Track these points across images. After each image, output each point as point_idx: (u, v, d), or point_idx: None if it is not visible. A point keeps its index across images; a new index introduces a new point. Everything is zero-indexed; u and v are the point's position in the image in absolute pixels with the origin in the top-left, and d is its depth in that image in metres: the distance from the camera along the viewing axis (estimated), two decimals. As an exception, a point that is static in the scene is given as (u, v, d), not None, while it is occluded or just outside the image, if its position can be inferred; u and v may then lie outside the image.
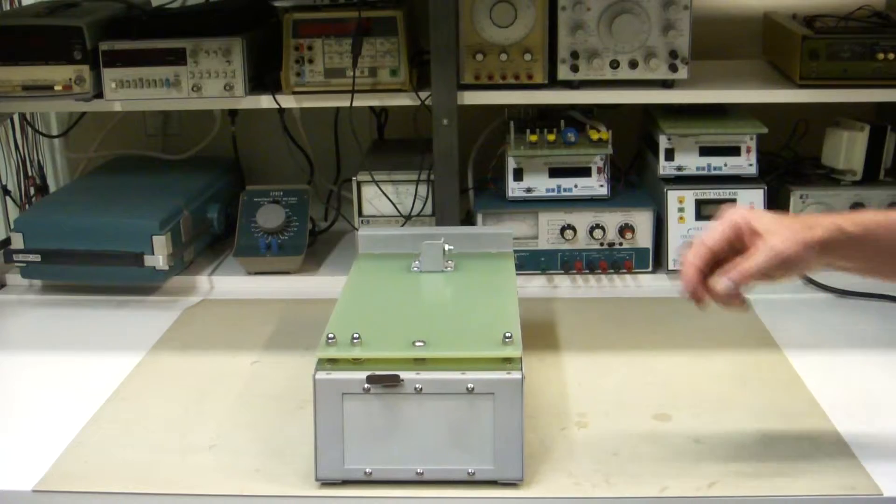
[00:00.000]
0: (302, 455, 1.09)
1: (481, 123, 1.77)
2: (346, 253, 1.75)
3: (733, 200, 1.61)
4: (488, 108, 1.68)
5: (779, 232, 0.98)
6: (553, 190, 1.64)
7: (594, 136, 1.63)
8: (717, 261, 1.01)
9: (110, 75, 1.59)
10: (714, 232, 1.01)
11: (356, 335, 1.05)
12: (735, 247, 1.01)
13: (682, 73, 1.58)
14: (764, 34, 1.86)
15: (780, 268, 0.98)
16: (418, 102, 1.61)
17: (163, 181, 1.79)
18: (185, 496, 1.07)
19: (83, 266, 1.59)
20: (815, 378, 1.29)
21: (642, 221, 1.63)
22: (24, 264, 1.61)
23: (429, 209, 1.69)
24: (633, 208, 1.63)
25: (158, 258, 1.58)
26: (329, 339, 1.06)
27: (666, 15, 1.57)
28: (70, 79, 1.58)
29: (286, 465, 1.10)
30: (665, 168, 1.64)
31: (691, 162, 1.63)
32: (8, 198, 1.97)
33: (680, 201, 1.62)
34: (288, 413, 1.22)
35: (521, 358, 1.04)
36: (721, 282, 0.99)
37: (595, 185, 1.64)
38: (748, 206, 0.97)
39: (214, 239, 1.80)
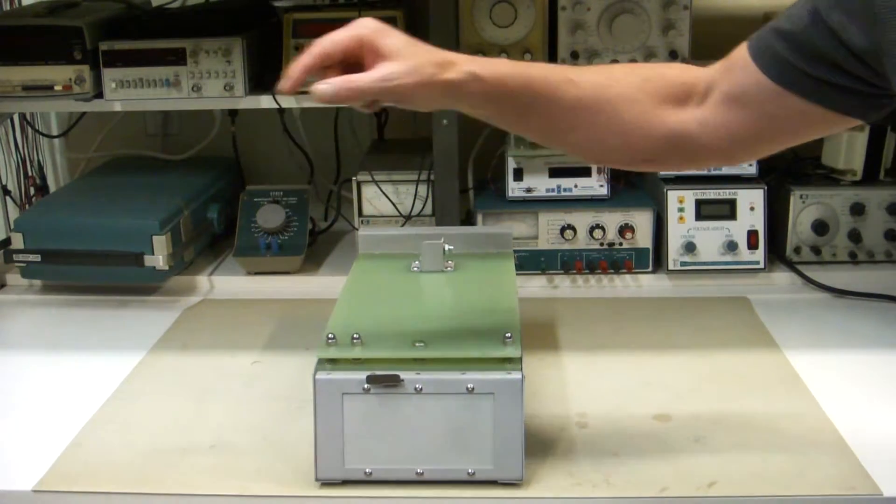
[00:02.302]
0: (302, 455, 1.09)
1: (481, 123, 1.76)
2: (346, 253, 1.75)
3: (733, 200, 1.61)
4: (488, 108, 1.68)
5: (403, 59, 0.92)
6: (553, 190, 1.64)
7: (594, 136, 1.63)
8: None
9: (110, 75, 1.59)
10: (335, 36, 0.93)
11: (356, 335, 1.05)
12: (351, 61, 0.94)
13: (682, 73, 1.58)
14: (764, 34, 1.86)
15: (391, 96, 0.92)
16: (418, 102, 1.60)
17: (163, 181, 1.79)
18: (185, 496, 1.07)
19: (83, 266, 1.59)
20: (815, 378, 1.29)
21: (642, 221, 1.63)
22: (24, 264, 1.61)
23: (429, 209, 1.69)
24: (633, 208, 1.63)
25: (158, 258, 1.58)
26: (329, 339, 1.06)
27: (666, 15, 1.57)
28: (70, 79, 1.58)
29: (286, 465, 1.10)
30: (665, 168, 1.64)
31: (691, 162, 1.63)
32: (8, 198, 1.97)
33: (680, 201, 1.62)
34: (288, 413, 1.22)
35: (521, 358, 1.04)
36: (321, 85, 0.91)
37: (595, 185, 1.64)
38: (380, 23, 0.92)
39: (214, 239, 1.80)
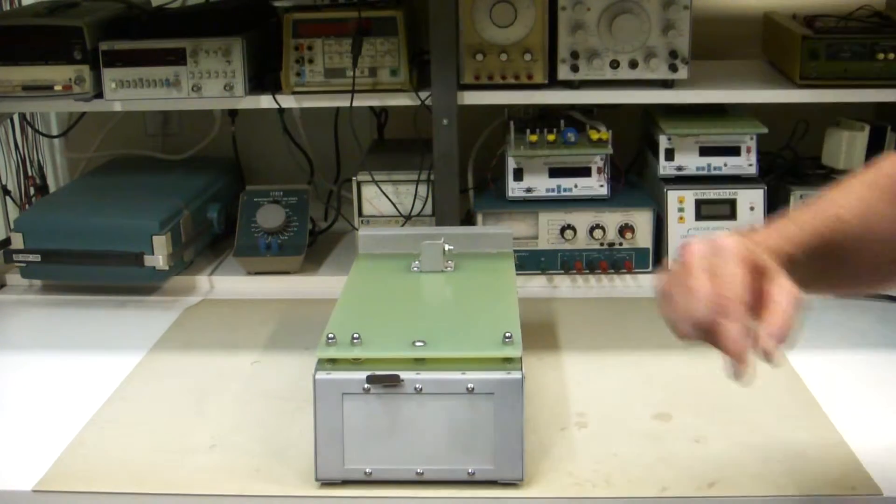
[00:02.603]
0: (302, 455, 1.09)
1: (481, 123, 1.77)
2: (346, 253, 1.75)
3: (733, 200, 1.61)
4: (488, 108, 1.68)
5: (779, 269, 0.89)
6: (553, 190, 1.64)
7: (594, 136, 1.63)
8: None
9: (110, 75, 1.59)
10: (738, 279, 0.87)
11: (356, 335, 1.05)
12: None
13: (682, 73, 1.58)
14: (764, 34, 1.86)
15: None
16: (418, 102, 1.61)
17: (163, 181, 1.79)
18: (185, 496, 1.07)
19: (83, 266, 1.59)
20: (815, 378, 1.29)
21: (642, 221, 1.63)
22: (24, 264, 1.61)
23: (429, 209, 1.69)
24: (633, 208, 1.63)
25: (158, 258, 1.58)
26: (329, 339, 1.06)
27: (666, 15, 1.57)
28: (70, 79, 1.58)
29: (286, 465, 1.10)
30: (665, 168, 1.64)
31: (691, 162, 1.63)
32: (8, 198, 1.97)
33: (680, 201, 1.62)
34: (288, 413, 1.22)
35: (521, 358, 1.04)
36: (771, 344, 0.86)
37: (595, 185, 1.64)
38: (739, 235, 0.89)
39: (214, 239, 1.80)
